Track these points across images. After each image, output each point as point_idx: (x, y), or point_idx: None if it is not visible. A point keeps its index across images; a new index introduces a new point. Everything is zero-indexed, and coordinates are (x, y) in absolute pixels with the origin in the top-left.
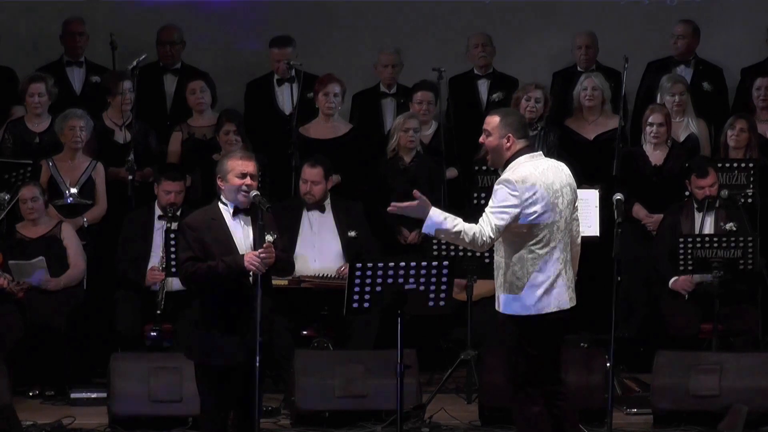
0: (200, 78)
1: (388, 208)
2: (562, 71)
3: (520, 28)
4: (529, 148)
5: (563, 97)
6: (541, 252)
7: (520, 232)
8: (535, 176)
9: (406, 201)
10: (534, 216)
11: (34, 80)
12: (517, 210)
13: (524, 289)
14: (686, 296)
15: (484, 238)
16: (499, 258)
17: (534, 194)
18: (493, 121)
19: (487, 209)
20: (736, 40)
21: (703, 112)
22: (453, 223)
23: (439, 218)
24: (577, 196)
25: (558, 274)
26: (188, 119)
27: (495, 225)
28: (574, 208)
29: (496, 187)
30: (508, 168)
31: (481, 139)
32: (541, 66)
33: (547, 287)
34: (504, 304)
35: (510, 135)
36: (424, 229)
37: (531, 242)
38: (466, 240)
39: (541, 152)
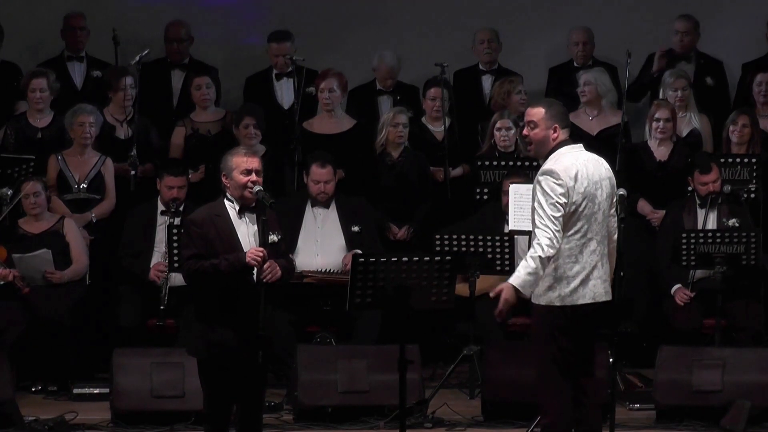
0: (207, 74)
1: (499, 321)
2: (558, 67)
3: (520, 22)
4: (571, 139)
5: (559, 93)
6: (578, 243)
7: None
8: (576, 166)
9: (394, 196)
10: (573, 206)
11: (35, 75)
12: (565, 199)
13: (560, 279)
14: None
15: (551, 237)
16: None
17: (577, 184)
18: (538, 112)
19: (536, 206)
20: (736, 35)
21: (705, 107)
22: (527, 264)
23: (519, 274)
24: (615, 191)
25: (594, 266)
26: (191, 114)
27: (552, 216)
28: (612, 204)
29: (539, 178)
30: (549, 158)
31: (525, 131)
32: (538, 61)
33: (582, 278)
34: (539, 294)
35: (556, 125)
36: (526, 293)
37: (568, 233)
38: (543, 256)
39: (581, 144)
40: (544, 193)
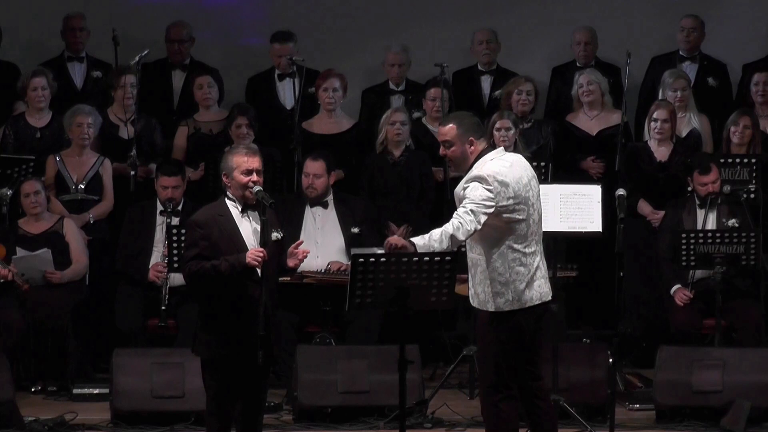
0: (208, 73)
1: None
2: (561, 66)
3: (520, 22)
4: (490, 146)
5: (563, 93)
6: (519, 246)
7: (498, 228)
8: (504, 172)
9: (394, 195)
10: (509, 211)
11: (35, 74)
12: (494, 204)
13: (507, 284)
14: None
15: (469, 228)
16: (476, 255)
17: (506, 189)
18: (450, 130)
19: (465, 205)
20: (738, 36)
21: (707, 108)
22: (432, 237)
23: (420, 242)
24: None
25: (537, 267)
26: (194, 114)
27: (477, 219)
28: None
29: (466, 184)
30: (474, 167)
31: (441, 152)
32: (540, 61)
33: (528, 280)
34: (486, 301)
35: (472, 138)
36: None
37: (510, 237)
38: (450, 233)
39: (502, 148)
40: (471, 197)
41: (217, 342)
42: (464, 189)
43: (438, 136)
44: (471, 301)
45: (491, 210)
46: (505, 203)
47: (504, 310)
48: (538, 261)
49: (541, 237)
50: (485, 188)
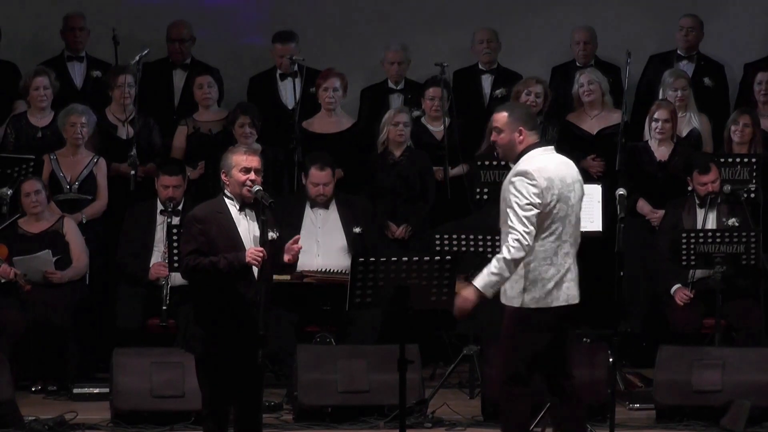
0: (208, 73)
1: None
2: (561, 66)
3: (520, 22)
4: (541, 142)
5: (562, 92)
6: (552, 245)
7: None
8: (550, 168)
9: (394, 195)
10: (548, 208)
11: (38, 74)
12: (540, 200)
13: (535, 282)
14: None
15: (518, 239)
16: None
17: (552, 185)
18: (501, 117)
19: (507, 208)
20: (737, 36)
21: (702, 108)
22: (490, 265)
23: (483, 274)
24: (584, 193)
25: (568, 269)
26: (194, 114)
27: (524, 216)
28: (581, 207)
29: (513, 179)
30: (521, 160)
31: (492, 138)
32: (540, 61)
33: (557, 281)
34: (513, 296)
35: (521, 128)
36: (488, 294)
37: (543, 234)
38: (509, 258)
39: (552, 147)
40: (518, 193)
41: (211, 340)
42: (511, 183)
43: (491, 123)
44: (501, 298)
45: (539, 203)
46: (548, 200)
47: (528, 307)
48: (570, 263)
49: (577, 240)
50: (530, 183)
